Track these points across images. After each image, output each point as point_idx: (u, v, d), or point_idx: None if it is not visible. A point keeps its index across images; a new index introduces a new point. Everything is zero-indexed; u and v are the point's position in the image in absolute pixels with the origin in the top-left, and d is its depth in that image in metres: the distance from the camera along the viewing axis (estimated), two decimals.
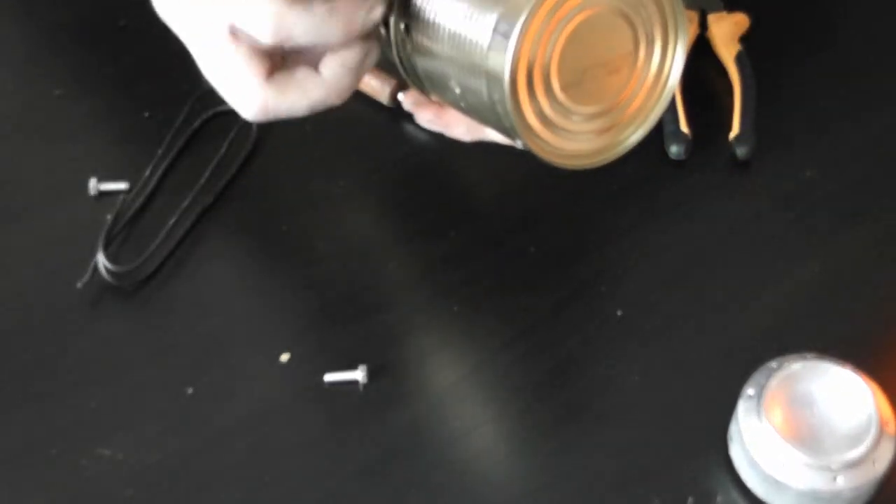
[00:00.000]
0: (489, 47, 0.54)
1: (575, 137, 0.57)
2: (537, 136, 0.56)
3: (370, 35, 0.57)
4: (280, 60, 0.57)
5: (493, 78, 0.54)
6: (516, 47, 0.53)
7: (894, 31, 0.83)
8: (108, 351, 0.66)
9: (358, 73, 0.57)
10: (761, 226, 0.72)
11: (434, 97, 0.62)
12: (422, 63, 0.59)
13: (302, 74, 0.57)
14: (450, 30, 0.56)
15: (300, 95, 0.57)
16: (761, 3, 0.82)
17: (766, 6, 0.82)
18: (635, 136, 0.59)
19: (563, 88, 0.55)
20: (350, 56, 0.56)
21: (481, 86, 0.55)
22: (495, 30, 0.54)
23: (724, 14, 0.81)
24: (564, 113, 0.56)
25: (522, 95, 0.54)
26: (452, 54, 0.56)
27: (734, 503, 0.60)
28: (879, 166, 0.75)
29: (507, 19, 0.53)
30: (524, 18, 0.52)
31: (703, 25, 0.81)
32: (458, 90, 0.57)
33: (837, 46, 0.82)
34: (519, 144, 0.56)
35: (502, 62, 0.53)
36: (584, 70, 0.56)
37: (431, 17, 0.57)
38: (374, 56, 0.58)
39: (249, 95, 0.56)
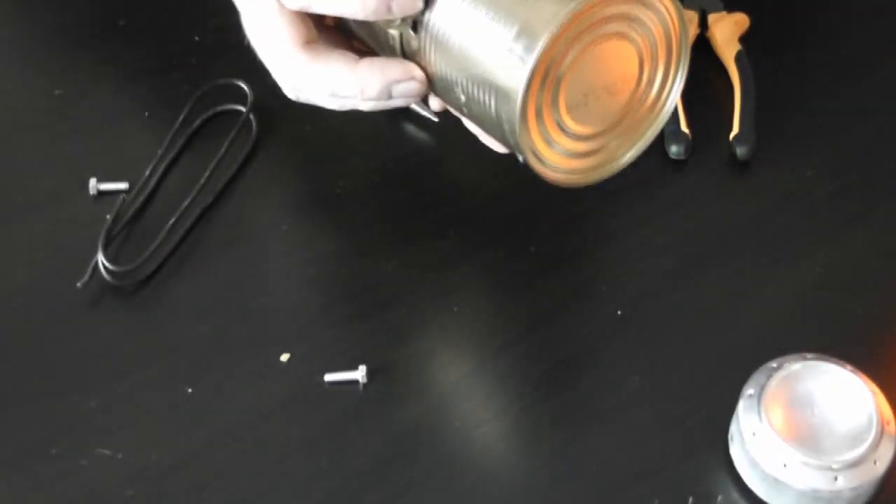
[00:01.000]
0: (503, 66, 0.54)
1: (572, 155, 0.58)
2: (538, 153, 0.56)
3: (419, 69, 0.58)
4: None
5: (503, 96, 0.54)
6: (532, 69, 0.52)
7: (894, 30, 0.83)
8: (108, 351, 0.66)
9: (387, 86, 0.59)
10: (761, 226, 0.72)
11: (435, 96, 0.62)
12: (426, 63, 0.59)
13: (338, 55, 0.59)
14: (462, 38, 0.56)
15: (328, 72, 0.59)
16: (761, 3, 0.82)
17: (766, 6, 0.82)
18: (628, 155, 0.60)
19: (569, 110, 0.56)
20: (390, 66, 0.58)
21: (489, 100, 0.55)
22: (511, 50, 0.53)
23: (724, 14, 0.81)
24: (565, 132, 0.57)
25: (531, 116, 0.54)
26: (462, 63, 0.56)
27: (734, 503, 0.60)
28: (879, 166, 0.75)
29: (524, 40, 0.53)
30: (544, 42, 0.52)
31: (703, 25, 0.81)
32: (463, 98, 0.57)
33: (837, 46, 0.82)
34: (520, 159, 0.56)
35: (517, 84, 0.53)
36: (588, 92, 0.56)
37: (443, 19, 0.57)
38: (412, 88, 0.59)
39: (284, 56, 0.59)
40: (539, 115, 0.55)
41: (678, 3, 0.56)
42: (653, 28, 0.57)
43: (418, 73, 0.58)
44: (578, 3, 0.52)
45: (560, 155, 0.57)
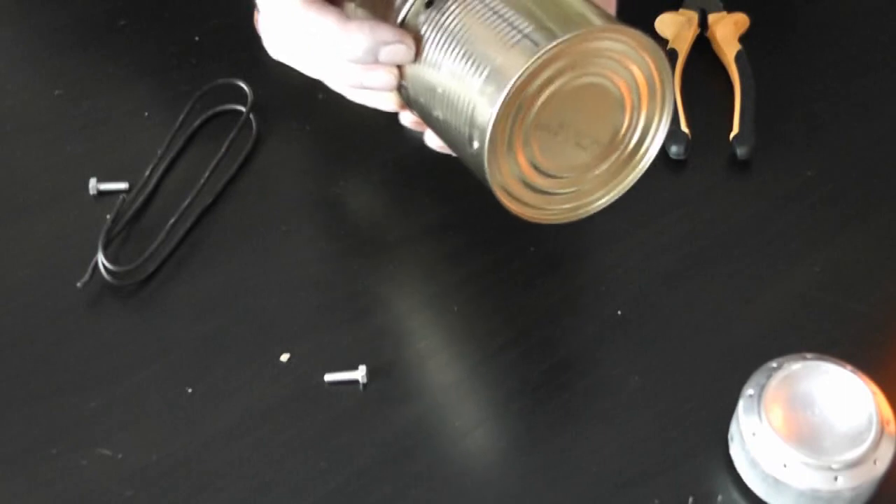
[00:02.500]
0: (477, 101, 0.55)
1: (543, 192, 0.58)
2: (507, 187, 0.57)
3: (409, 36, 0.58)
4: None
5: (476, 127, 0.55)
6: (499, 110, 0.53)
7: (894, 30, 0.83)
8: (108, 351, 0.66)
9: (375, 47, 0.58)
10: (761, 226, 0.72)
11: (415, 112, 0.62)
12: (410, 83, 0.59)
13: (334, 9, 0.59)
14: (442, 69, 0.57)
15: (319, 22, 0.58)
16: (761, 3, 0.82)
17: (766, 6, 0.82)
18: (600, 202, 0.60)
19: (542, 149, 0.56)
20: (381, 27, 0.58)
21: (463, 127, 0.56)
22: (482, 92, 0.54)
23: (724, 14, 0.81)
24: (538, 170, 0.57)
25: (500, 149, 0.55)
26: (442, 93, 0.57)
27: (734, 503, 0.60)
28: (879, 166, 0.75)
29: (496, 80, 0.54)
30: (510, 86, 0.53)
31: (703, 25, 0.81)
32: (441, 116, 0.58)
33: (837, 46, 0.82)
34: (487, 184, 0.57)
35: (486, 119, 0.54)
36: (566, 133, 0.57)
37: (428, 51, 0.57)
38: (400, 51, 0.58)
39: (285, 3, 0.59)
40: (510, 148, 0.55)
41: (661, 54, 0.56)
42: (636, 76, 0.57)
43: (408, 39, 0.58)
44: (547, 48, 0.53)
45: (527, 190, 0.58)
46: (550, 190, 0.59)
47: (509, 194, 0.57)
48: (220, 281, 0.69)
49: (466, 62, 0.55)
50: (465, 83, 0.55)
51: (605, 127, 0.58)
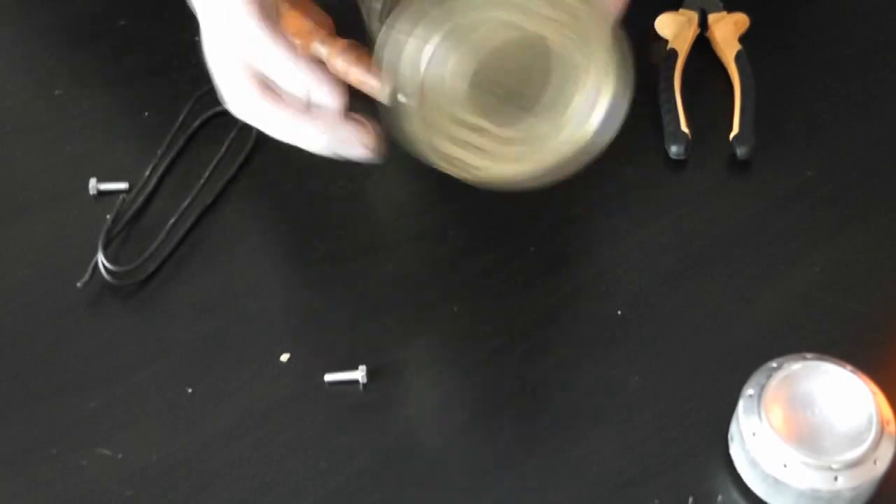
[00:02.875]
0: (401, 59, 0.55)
1: (487, 155, 0.57)
2: (437, 144, 0.56)
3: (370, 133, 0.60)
4: None
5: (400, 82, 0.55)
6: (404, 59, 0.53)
7: (894, 30, 0.83)
8: (108, 351, 0.66)
9: (330, 127, 0.60)
10: (761, 226, 0.72)
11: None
12: None
13: (281, 113, 0.60)
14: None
15: (274, 123, 0.60)
16: (761, 3, 0.82)
17: (766, 6, 0.82)
18: (539, 171, 0.58)
19: (469, 84, 0.55)
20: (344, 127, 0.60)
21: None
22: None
23: (724, 14, 0.81)
24: (469, 125, 0.56)
25: (427, 104, 0.55)
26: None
27: (734, 503, 0.60)
28: (879, 166, 0.75)
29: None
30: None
31: (703, 25, 0.81)
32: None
33: (837, 46, 0.82)
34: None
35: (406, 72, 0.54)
36: (495, 81, 0.55)
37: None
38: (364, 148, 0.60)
39: (240, 95, 0.60)
40: (440, 107, 0.55)
41: (594, 13, 0.55)
42: (573, 35, 0.55)
43: (369, 137, 0.60)
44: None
45: (466, 151, 0.57)
46: (488, 149, 0.57)
47: (440, 152, 0.56)
48: (220, 281, 0.69)
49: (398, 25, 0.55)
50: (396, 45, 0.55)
51: (546, 87, 0.56)
